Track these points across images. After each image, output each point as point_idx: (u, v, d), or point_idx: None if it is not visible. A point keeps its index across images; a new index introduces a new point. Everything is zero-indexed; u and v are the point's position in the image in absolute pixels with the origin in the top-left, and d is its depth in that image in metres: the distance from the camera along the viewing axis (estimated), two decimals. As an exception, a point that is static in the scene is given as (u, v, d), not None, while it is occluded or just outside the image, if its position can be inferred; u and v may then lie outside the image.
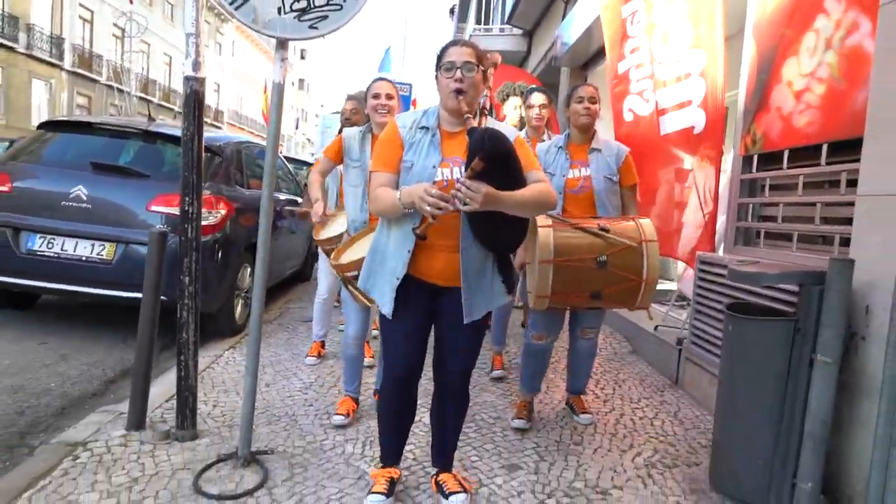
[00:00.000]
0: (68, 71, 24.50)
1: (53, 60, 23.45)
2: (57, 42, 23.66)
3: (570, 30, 7.63)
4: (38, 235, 4.10)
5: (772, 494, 2.39)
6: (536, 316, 3.08)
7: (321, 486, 2.46)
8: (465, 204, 1.90)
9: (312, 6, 2.43)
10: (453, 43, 2.20)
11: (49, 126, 4.81)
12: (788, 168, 3.30)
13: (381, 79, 3.21)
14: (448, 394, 2.38)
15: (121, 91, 27.38)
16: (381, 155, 2.22)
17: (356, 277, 2.53)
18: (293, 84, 58.06)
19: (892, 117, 2.27)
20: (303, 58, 60.09)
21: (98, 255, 4.08)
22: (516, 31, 11.48)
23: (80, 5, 25.32)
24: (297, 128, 55.10)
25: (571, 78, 8.59)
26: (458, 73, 2.11)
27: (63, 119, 5.48)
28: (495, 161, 1.92)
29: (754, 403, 2.37)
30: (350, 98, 4.45)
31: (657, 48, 4.49)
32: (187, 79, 2.61)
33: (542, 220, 2.79)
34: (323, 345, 4.21)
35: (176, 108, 33.31)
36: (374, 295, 2.26)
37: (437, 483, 2.42)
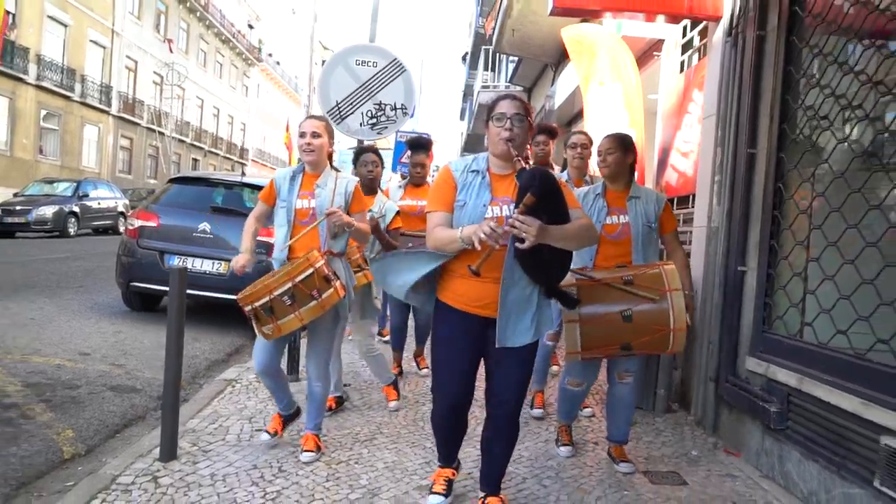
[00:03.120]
0: (114, 116, 26.94)
1: (102, 107, 25.89)
2: (106, 90, 26.14)
3: (556, 96, 9.54)
4: (176, 256, 5.97)
5: (645, 399, 4.14)
6: (574, 363, 3.12)
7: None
8: (520, 240, 2.07)
9: (378, 122, 4.29)
10: (504, 97, 2.41)
11: (177, 180, 6.77)
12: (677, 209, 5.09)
13: (310, 117, 3.18)
14: (498, 426, 2.48)
15: (161, 133, 29.77)
16: (436, 196, 2.42)
17: (254, 313, 2.87)
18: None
19: (706, 183, 4.07)
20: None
21: (216, 270, 5.93)
22: (517, 87, 13.47)
23: (127, 56, 27.91)
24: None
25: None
26: (509, 124, 2.29)
27: (186, 175, 7.39)
28: (545, 196, 2.10)
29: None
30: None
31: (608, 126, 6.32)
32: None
33: (566, 280, 2.68)
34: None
35: (206, 147, 35.81)
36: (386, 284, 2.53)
37: None
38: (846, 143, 2.91)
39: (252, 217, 3.21)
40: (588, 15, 4.76)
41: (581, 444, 3.54)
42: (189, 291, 5.99)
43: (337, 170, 3.22)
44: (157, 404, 4.04)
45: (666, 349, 2.92)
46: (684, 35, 5.04)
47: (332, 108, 4.23)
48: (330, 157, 3.22)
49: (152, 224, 6.10)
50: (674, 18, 4.46)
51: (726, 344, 3.64)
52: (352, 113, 4.23)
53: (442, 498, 2.56)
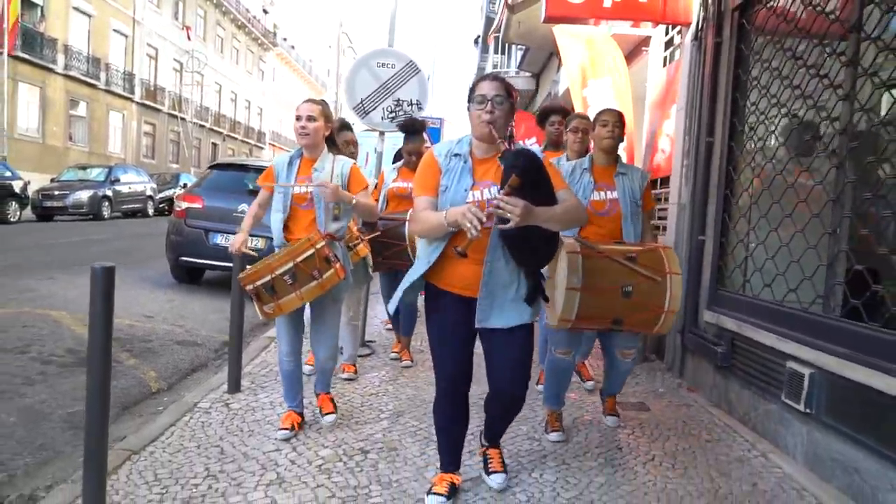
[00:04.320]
0: (138, 103, 27.83)
1: (126, 94, 26.77)
2: (129, 78, 27.01)
3: (560, 82, 10.17)
4: (220, 234, 6.77)
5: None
6: (557, 333, 3.07)
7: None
8: (504, 221, 2.04)
9: (397, 116, 4.99)
10: (484, 78, 2.35)
11: (215, 167, 7.57)
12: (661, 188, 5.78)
13: (306, 101, 3.15)
14: (499, 403, 2.54)
15: (182, 119, 30.65)
16: (421, 181, 2.39)
17: (255, 292, 2.93)
18: (327, 105, 61.35)
19: (677, 166, 4.76)
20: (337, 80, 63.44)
21: (254, 246, 6.71)
22: (526, 73, 14.07)
23: (148, 45, 28.72)
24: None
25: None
26: (489, 105, 2.24)
27: (223, 162, 8.19)
28: (529, 175, 2.09)
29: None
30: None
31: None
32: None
33: (570, 246, 2.75)
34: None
35: (224, 132, 36.68)
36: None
37: (484, 455, 2.68)
38: (775, 134, 3.60)
39: (255, 204, 3.23)
40: (578, 22, 5.42)
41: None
42: (231, 264, 6.87)
43: (336, 152, 3.24)
44: (216, 355, 4.86)
45: (653, 329, 2.90)
46: (667, 33, 5.68)
47: (358, 105, 4.94)
48: (331, 139, 3.22)
49: (197, 206, 6.90)
50: (654, 23, 5.11)
51: (691, 302, 4.35)
52: (374, 108, 4.94)
53: (443, 499, 2.45)
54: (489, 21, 22.76)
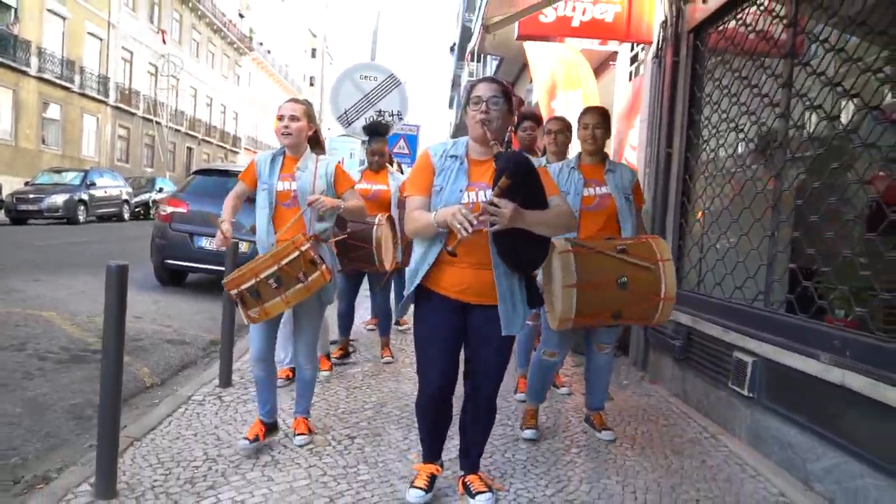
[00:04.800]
0: (112, 106, 27.63)
1: (100, 97, 26.58)
2: (104, 81, 26.82)
3: (533, 93, 10.53)
4: (204, 238, 6.96)
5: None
6: (552, 333, 3.13)
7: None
8: (492, 224, 2.05)
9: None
10: (481, 80, 2.38)
11: (199, 172, 7.78)
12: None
13: (289, 100, 3.15)
14: (477, 407, 2.52)
15: (157, 123, 30.49)
16: (414, 180, 2.41)
17: (240, 296, 2.86)
18: (303, 109, 61.30)
19: (641, 174, 5.10)
20: (311, 84, 63.41)
21: (241, 250, 6.92)
22: (501, 82, 14.41)
23: (123, 48, 28.55)
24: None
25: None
26: (485, 106, 2.25)
27: (206, 168, 8.38)
28: (520, 177, 2.08)
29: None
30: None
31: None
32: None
33: (561, 246, 2.78)
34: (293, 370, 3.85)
35: (200, 136, 36.54)
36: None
37: (464, 484, 2.59)
38: (724, 147, 3.97)
39: (231, 195, 3.13)
40: (549, 40, 5.77)
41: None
42: (214, 267, 7.07)
43: (320, 152, 3.24)
44: (204, 353, 5.09)
45: (652, 320, 2.92)
46: (632, 49, 6.05)
47: (342, 115, 5.22)
48: (317, 140, 3.22)
49: (182, 210, 7.09)
50: (619, 41, 5.48)
51: (652, 300, 4.70)
52: (357, 118, 5.23)
53: (422, 493, 2.48)
54: (465, 29, 23.15)
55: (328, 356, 4.32)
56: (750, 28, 3.67)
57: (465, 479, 2.58)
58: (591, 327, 3.15)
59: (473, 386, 2.49)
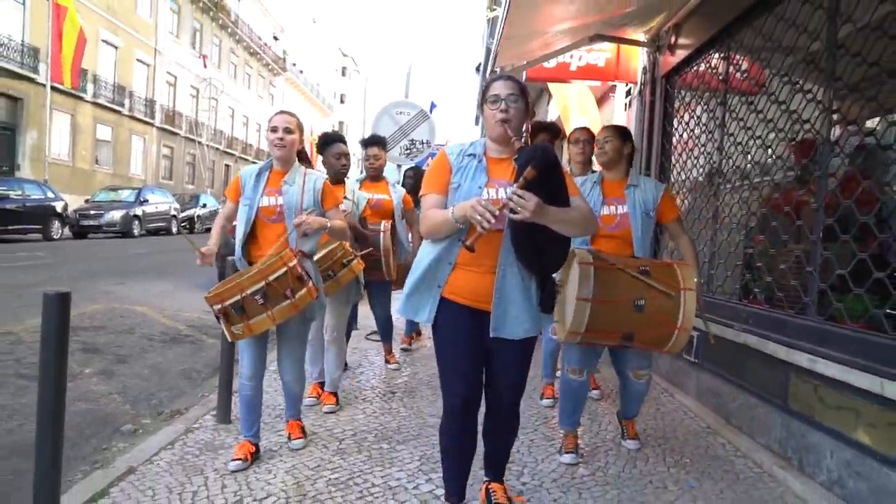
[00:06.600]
0: (158, 127, 29.49)
1: (147, 119, 28.43)
2: (150, 104, 28.69)
3: (548, 115, 11.62)
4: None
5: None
6: (571, 350, 3.08)
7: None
8: (515, 213, 1.97)
9: (412, 153, 6.40)
10: (497, 78, 2.30)
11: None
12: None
13: (281, 112, 3.09)
14: (499, 415, 2.43)
15: (199, 142, 32.32)
16: (431, 178, 2.34)
17: (223, 312, 2.76)
18: (333, 126, 63.35)
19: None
20: (342, 102, 65.37)
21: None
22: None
23: (168, 72, 30.46)
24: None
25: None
26: (503, 105, 2.21)
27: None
28: (546, 170, 2.03)
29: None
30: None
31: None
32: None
33: (583, 257, 2.71)
34: (322, 385, 3.99)
35: (237, 154, 38.36)
36: (417, 311, 2.32)
37: (486, 491, 2.50)
38: (687, 170, 5.00)
39: (220, 216, 3.14)
40: (552, 81, 6.86)
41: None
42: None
43: (307, 166, 3.20)
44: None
45: (664, 348, 2.81)
46: (627, 85, 7.11)
47: (381, 144, 6.40)
48: (301, 153, 3.17)
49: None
50: (610, 81, 6.56)
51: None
52: (393, 147, 6.36)
53: None
54: (489, 51, 24.33)
55: (335, 394, 3.92)
56: (699, 79, 4.72)
57: (490, 486, 2.52)
58: (599, 346, 3.05)
59: (495, 394, 2.40)
